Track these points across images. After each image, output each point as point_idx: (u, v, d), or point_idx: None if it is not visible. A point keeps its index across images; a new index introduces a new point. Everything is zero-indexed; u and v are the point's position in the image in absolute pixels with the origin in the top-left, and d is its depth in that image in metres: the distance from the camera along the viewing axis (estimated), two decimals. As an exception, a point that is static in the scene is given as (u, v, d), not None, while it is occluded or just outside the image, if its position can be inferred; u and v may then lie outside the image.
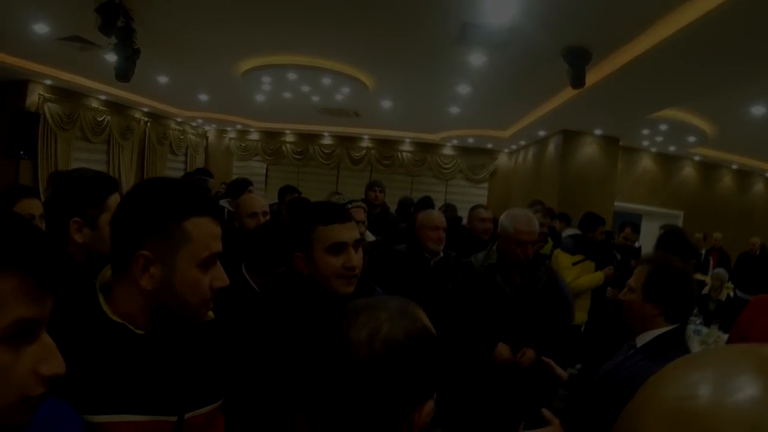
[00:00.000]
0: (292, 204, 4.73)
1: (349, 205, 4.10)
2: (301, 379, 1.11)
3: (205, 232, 1.31)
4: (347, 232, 1.96)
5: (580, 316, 5.54)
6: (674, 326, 2.25)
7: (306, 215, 2.05)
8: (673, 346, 2.19)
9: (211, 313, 1.43)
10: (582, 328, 5.75)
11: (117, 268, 1.30)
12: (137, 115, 13.67)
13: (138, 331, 1.28)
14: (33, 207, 2.92)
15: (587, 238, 5.99)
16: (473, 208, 5.29)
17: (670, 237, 4.00)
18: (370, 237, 4.73)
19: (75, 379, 1.13)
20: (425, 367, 1.02)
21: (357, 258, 1.97)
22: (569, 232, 6.26)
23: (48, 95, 11.06)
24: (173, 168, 15.14)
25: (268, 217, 3.63)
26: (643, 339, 2.28)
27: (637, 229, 6.34)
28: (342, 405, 0.98)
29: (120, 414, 1.21)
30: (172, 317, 1.32)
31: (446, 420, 3.65)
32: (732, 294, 7.44)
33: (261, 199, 3.72)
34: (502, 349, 3.37)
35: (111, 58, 7.00)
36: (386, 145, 15.59)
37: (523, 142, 13.43)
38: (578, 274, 5.51)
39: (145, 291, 1.26)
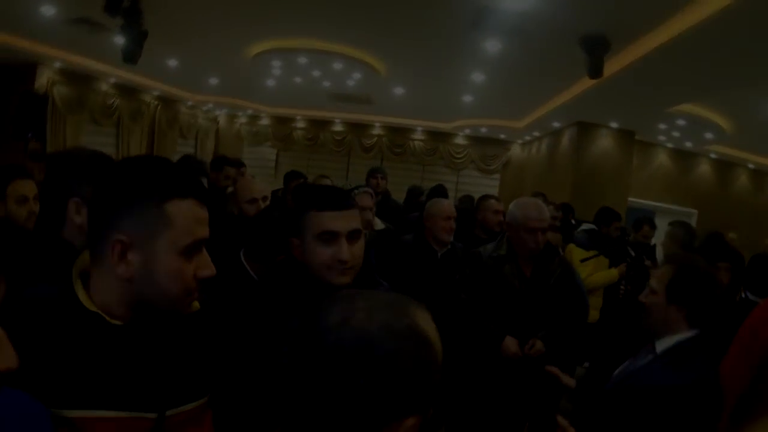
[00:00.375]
0: (297, 190, 4.62)
1: (356, 191, 3.96)
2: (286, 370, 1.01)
3: (188, 216, 1.19)
4: (341, 222, 1.80)
5: (592, 314, 5.41)
6: (697, 332, 2.14)
7: (302, 198, 1.93)
8: (697, 354, 2.09)
9: (196, 304, 1.33)
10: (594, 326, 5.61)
11: (94, 254, 1.20)
12: (147, 98, 13.55)
13: (114, 322, 1.18)
14: (26, 188, 2.87)
15: (601, 234, 5.86)
16: (484, 199, 5.13)
17: (713, 241, 3.89)
18: (379, 225, 4.61)
19: (46, 371, 1.09)
20: (405, 372, 0.88)
21: (351, 251, 1.81)
22: (584, 227, 6.12)
23: (57, 78, 10.95)
24: (183, 152, 14.92)
25: (267, 202, 3.52)
26: (663, 344, 2.17)
27: (654, 227, 6.19)
28: (305, 396, 0.89)
29: (94, 409, 1.13)
30: (153, 308, 1.21)
31: (450, 419, 3.55)
32: (743, 296, 7.26)
33: (260, 184, 3.61)
34: (510, 343, 3.26)
35: (120, 40, 6.91)
36: (398, 133, 15.44)
37: (536, 133, 13.26)
38: (592, 270, 5.39)
39: (122, 279, 1.16)
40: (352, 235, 1.82)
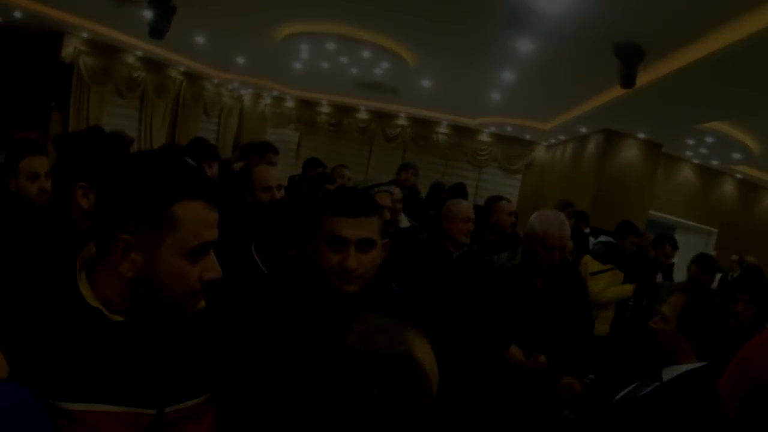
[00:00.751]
0: (315, 180, 4.53)
1: (376, 189, 3.87)
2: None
3: (196, 219, 1.18)
4: (352, 229, 1.76)
5: (603, 327, 5.33)
6: (705, 363, 2.12)
7: (323, 199, 1.92)
8: (703, 386, 2.07)
9: (202, 303, 1.31)
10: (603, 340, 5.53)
11: (99, 247, 1.19)
12: (173, 73, 13.56)
13: (115, 318, 1.18)
14: (38, 164, 2.86)
15: (618, 247, 5.76)
16: (496, 201, 5.06)
17: (754, 276, 3.84)
18: (404, 222, 4.55)
19: (46, 363, 1.10)
20: (394, 401, 0.83)
21: (360, 259, 1.77)
22: (602, 239, 6.02)
23: (83, 48, 10.98)
24: (206, 129, 15.04)
25: (282, 192, 3.45)
26: (670, 373, 2.15)
27: (676, 247, 6.08)
28: (295, 411, 0.86)
29: (93, 403, 1.14)
30: (154, 307, 1.20)
31: (448, 426, 3.48)
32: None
33: (276, 172, 3.55)
34: (515, 351, 3.18)
35: (149, 14, 6.86)
36: (422, 125, 15.32)
37: (562, 137, 13.12)
38: (606, 284, 5.30)
39: (124, 277, 1.15)
40: (363, 244, 1.78)
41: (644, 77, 6.46)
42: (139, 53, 12.16)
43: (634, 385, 2.31)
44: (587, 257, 5.59)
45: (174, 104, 13.74)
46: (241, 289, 1.88)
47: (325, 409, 0.82)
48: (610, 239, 5.94)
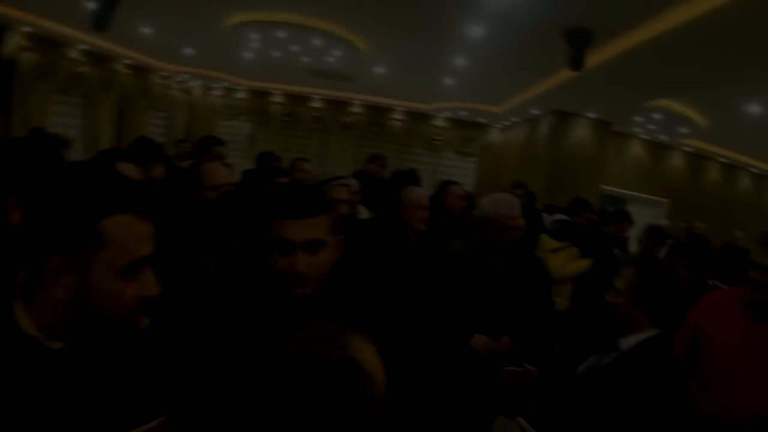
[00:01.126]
0: (268, 173, 4.47)
1: (333, 183, 3.83)
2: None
3: (127, 234, 1.11)
4: (298, 231, 1.69)
5: (563, 303, 5.44)
6: (660, 331, 2.22)
7: (267, 201, 1.83)
8: (658, 354, 2.17)
9: (145, 321, 1.24)
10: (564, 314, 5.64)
11: (30, 272, 1.11)
12: (118, 67, 13.12)
13: (55, 345, 1.10)
14: None
15: (573, 223, 5.88)
16: (446, 185, 5.13)
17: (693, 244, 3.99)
18: (364, 214, 4.53)
19: None
20: (337, 405, 0.86)
21: (308, 262, 1.71)
22: (556, 217, 6.13)
23: (25, 43, 10.53)
24: (154, 124, 14.67)
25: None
26: (628, 343, 2.24)
27: (632, 221, 6.25)
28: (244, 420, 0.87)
29: None
30: (93, 330, 1.14)
31: (417, 418, 3.53)
32: (711, 284, 7.37)
33: (224, 170, 3.41)
34: (479, 339, 3.24)
35: (92, 6, 6.66)
36: (377, 112, 15.32)
37: (515, 119, 13.27)
38: (564, 261, 5.40)
39: (58, 301, 1.08)
40: (311, 246, 1.71)
41: (592, 59, 6.57)
42: (83, 47, 11.74)
43: (594, 357, 2.38)
44: (544, 236, 5.67)
45: (120, 100, 13.31)
46: (191, 298, 1.84)
47: (272, 420, 0.84)
48: (565, 217, 6.04)
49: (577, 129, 10.67)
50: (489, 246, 3.34)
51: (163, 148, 4.72)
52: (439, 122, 15.21)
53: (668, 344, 2.25)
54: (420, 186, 4.72)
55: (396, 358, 1.64)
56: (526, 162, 12.16)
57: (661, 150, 13.60)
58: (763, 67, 5.90)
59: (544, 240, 5.61)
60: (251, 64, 11.82)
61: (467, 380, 3.29)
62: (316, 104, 15.58)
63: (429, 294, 3.42)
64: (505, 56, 7.94)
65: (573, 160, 10.57)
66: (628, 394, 2.06)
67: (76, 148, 9.02)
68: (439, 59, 8.88)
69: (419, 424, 3.50)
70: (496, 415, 3.39)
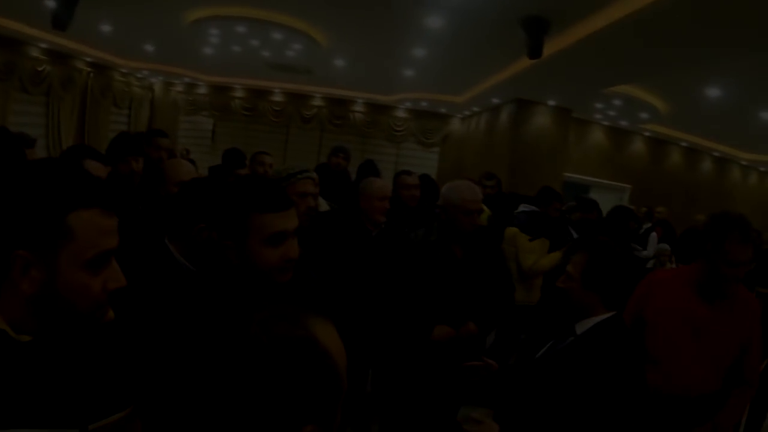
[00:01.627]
0: (227, 165, 4.43)
1: (299, 176, 3.81)
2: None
3: (92, 228, 1.12)
4: (289, 220, 1.77)
5: (534, 294, 5.45)
6: (613, 313, 2.24)
7: (238, 198, 1.80)
8: (614, 334, 2.19)
9: (111, 314, 1.24)
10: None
11: None
12: (79, 65, 13.00)
13: (23, 338, 1.11)
14: None
15: (542, 215, 5.83)
16: (397, 175, 5.14)
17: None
18: (324, 206, 4.50)
19: None
20: (297, 382, 0.90)
21: (296, 246, 1.80)
22: (523, 208, 6.06)
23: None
24: (116, 122, 14.50)
25: None
26: (582, 326, 2.26)
27: (600, 210, 6.27)
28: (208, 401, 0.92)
29: (11, 429, 1.07)
30: (61, 322, 1.15)
31: (383, 413, 3.56)
32: (675, 266, 7.51)
33: (188, 166, 3.41)
34: (440, 330, 3.27)
35: (52, 4, 6.56)
36: (338, 104, 15.30)
37: (476, 109, 13.35)
38: (539, 255, 5.38)
39: (26, 294, 1.09)
40: (296, 232, 1.81)
41: (550, 47, 6.61)
42: (43, 45, 11.62)
43: (551, 342, 2.40)
44: (515, 231, 5.58)
45: (82, 97, 13.19)
46: (160, 289, 1.84)
47: (232, 396, 0.88)
48: (533, 208, 5.97)
49: (538, 117, 10.73)
50: (452, 234, 3.37)
51: (141, 141, 4.72)
52: (400, 113, 15.25)
53: (622, 325, 2.26)
54: (380, 177, 4.71)
55: (356, 345, 1.66)
56: (487, 151, 12.24)
57: (623, 136, 13.78)
58: (719, 50, 5.99)
59: (514, 234, 5.54)
60: (211, 59, 11.75)
61: (430, 370, 3.31)
62: (277, 98, 15.51)
63: (391, 284, 3.43)
64: (464, 46, 7.97)
65: (535, 148, 10.64)
66: (582, 377, 2.08)
67: (39, 146, 8.87)
68: (399, 51, 8.89)
69: (385, 415, 3.52)
70: (461, 405, 3.42)
